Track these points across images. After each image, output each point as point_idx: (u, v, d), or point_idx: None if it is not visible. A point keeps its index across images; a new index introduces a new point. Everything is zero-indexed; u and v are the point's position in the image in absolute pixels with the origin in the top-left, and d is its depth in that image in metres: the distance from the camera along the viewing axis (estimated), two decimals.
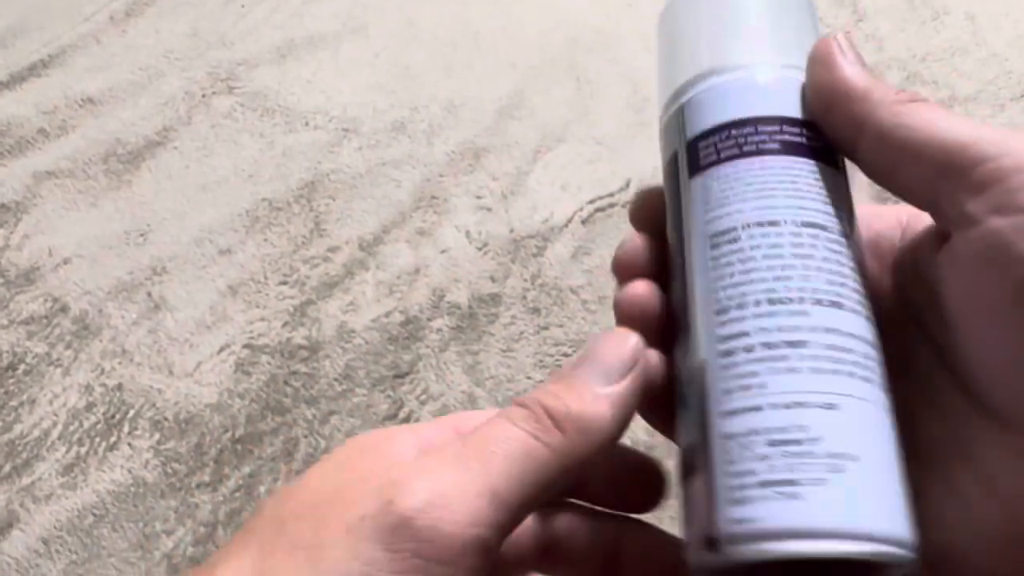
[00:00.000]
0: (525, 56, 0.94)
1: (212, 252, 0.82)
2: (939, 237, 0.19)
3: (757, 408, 0.18)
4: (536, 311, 0.75)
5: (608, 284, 0.76)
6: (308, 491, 0.19)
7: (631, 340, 0.20)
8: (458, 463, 0.18)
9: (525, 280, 0.77)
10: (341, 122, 0.90)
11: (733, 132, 0.21)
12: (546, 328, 0.74)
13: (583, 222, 0.80)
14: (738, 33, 0.23)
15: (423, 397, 0.71)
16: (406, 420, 0.70)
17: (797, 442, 0.17)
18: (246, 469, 0.69)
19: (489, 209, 0.82)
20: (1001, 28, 0.90)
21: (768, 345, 0.18)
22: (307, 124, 0.91)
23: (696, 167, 0.21)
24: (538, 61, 0.94)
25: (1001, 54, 0.88)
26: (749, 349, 0.19)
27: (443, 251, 0.79)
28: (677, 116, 0.23)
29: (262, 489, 0.68)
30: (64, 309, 0.79)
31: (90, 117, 0.94)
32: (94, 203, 0.87)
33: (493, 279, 0.77)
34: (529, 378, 0.71)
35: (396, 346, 0.74)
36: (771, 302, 0.19)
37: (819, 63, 0.20)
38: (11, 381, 0.75)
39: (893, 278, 0.21)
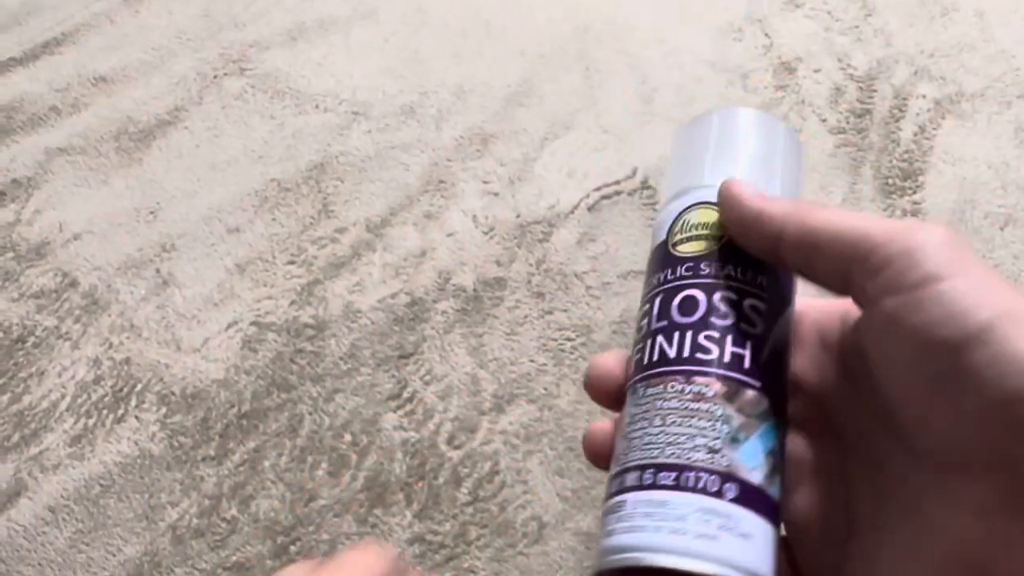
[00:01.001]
0: (535, 44, 0.95)
1: (221, 230, 0.83)
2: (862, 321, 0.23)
3: None
4: (540, 295, 0.76)
5: (612, 270, 0.77)
6: None
7: None
8: None
9: (530, 265, 0.78)
10: (351, 105, 0.91)
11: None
12: (550, 312, 0.75)
13: (589, 209, 0.81)
14: (694, 161, 0.27)
15: (427, 378, 0.72)
16: (410, 400, 0.71)
17: None
18: (251, 444, 0.70)
19: (496, 194, 0.83)
20: (1010, 24, 0.90)
21: None
22: (317, 107, 0.91)
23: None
24: (547, 49, 0.95)
25: (1009, 51, 0.88)
26: None
27: (450, 234, 0.80)
28: (653, 232, 0.27)
29: (266, 464, 0.69)
30: (74, 284, 0.80)
31: (102, 95, 0.95)
32: (105, 180, 0.88)
33: (499, 263, 0.78)
34: (532, 361, 0.72)
35: (401, 327, 0.75)
36: None
37: (726, 204, 0.24)
38: (20, 353, 0.76)
39: (838, 365, 0.24)
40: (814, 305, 0.26)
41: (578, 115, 0.88)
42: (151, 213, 0.85)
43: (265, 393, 0.72)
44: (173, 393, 0.73)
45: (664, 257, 0.26)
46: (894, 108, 0.85)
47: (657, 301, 0.25)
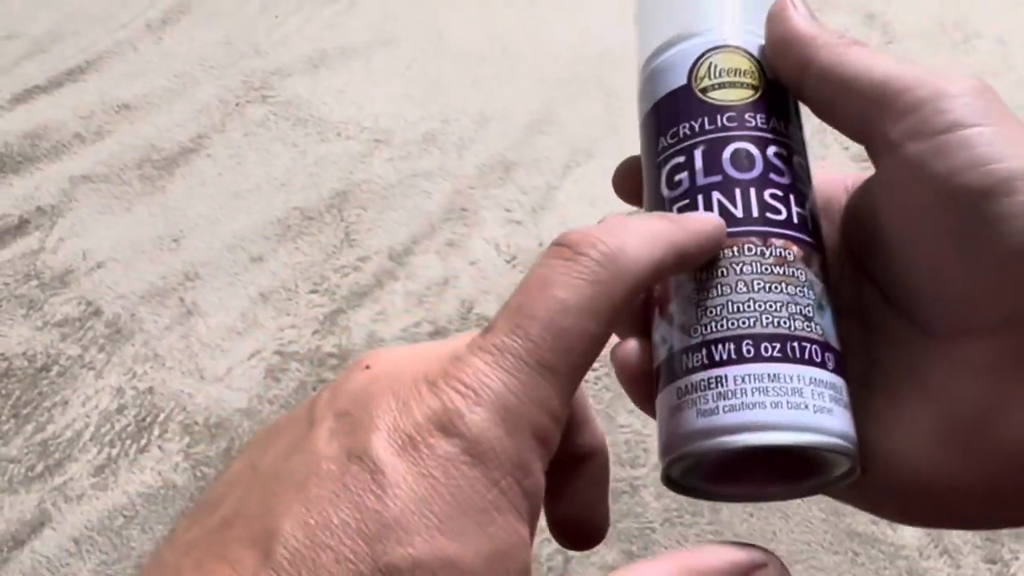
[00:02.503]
0: (554, 71, 0.95)
1: (244, 259, 0.83)
2: (874, 175, 0.22)
3: None
4: None
5: None
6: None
7: None
8: None
9: None
10: (372, 133, 0.91)
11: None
12: None
13: None
14: (701, 3, 0.25)
15: None
16: None
17: None
18: None
19: (518, 222, 0.83)
20: None
21: None
22: (339, 134, 0.92)
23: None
24: (567, 76, 0.95)
25: None
26: None
27: (472, 263, 0.80)
28: (648, 81, 0.25)
29: None
30: (97, 312, 0.81)
31: (126, 123, 0.95)
32: (128, 208, 0.88)
33: None
34: None
35: None
36: None
37: (774, 18, 0.23)
38: (44, 382, 0.76)
39: (841, 235, 0.23)
40: (819, 175, 0.25)
41: (600, 142, 0.88)
42: (174, 241, 0.85)
43: None
44: (196, 423, 0.73)
45: (694, 103, 0.23)
46: None
47: (698, 153, 0.22)
